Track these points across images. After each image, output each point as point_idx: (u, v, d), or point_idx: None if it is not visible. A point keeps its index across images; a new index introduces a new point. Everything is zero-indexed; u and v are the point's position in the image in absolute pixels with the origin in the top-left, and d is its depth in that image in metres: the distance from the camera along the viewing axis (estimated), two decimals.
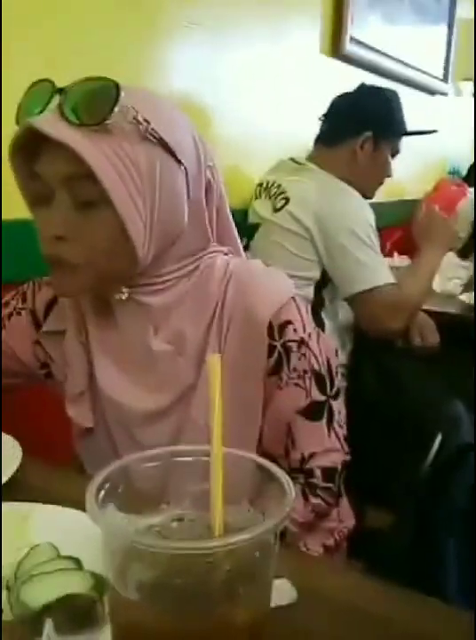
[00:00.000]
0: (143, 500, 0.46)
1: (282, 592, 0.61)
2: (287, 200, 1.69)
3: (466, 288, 2.23)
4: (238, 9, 1.93)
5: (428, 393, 1.46)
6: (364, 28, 2.53)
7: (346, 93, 1.82)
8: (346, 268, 1.61)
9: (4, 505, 0.72)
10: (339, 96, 1.82)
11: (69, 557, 0.64)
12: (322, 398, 0.89)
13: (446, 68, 3.36)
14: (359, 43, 2.50)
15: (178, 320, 0.86)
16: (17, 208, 1.33)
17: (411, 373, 1.48)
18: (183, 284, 0.86)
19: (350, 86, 1.86)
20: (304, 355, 0.87)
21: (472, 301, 2.05)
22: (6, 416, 0.95)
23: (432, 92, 3.29)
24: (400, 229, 2.80)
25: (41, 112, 0.76)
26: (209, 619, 0.38)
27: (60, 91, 0.76)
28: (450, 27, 3.31)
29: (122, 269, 0.82)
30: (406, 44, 2.90)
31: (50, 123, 0.74)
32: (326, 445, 0.89)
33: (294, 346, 0.87)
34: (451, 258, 2.36)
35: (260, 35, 2.04)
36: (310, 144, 1.88)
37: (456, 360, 1.64)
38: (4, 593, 0.59)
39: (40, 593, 0.57)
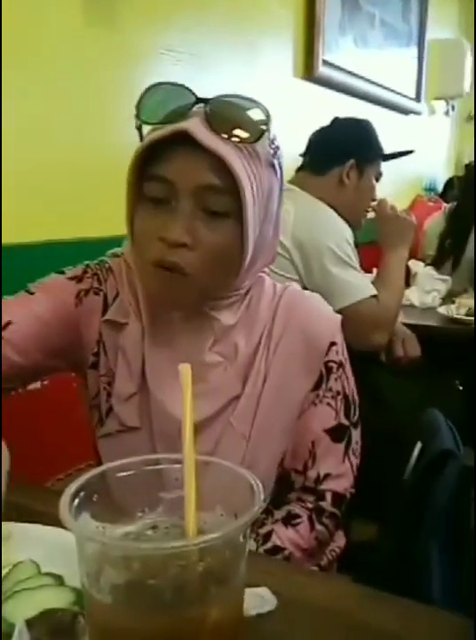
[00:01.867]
0: (118, 508, 0.47)
1: (263, 600, 0.62)
2: None
3: (444, 301, 2.27)
4: (212, 36, 1.98)
5: (409, 405, 1.48)
6: (335, 51, 2.59)
7: (322, 128, 1.84)
8: (325, 285, 1.63)
9: None
10: (316, 132, 1.85)
11: (51, 574, 0.64)
12: (346, 423, 0.94)
13: (418, 88, 3.44)
14: (331, 65, 2.56)
15: (234, 335, 0.89)
16: (16, 232, 1.37)
17: (391, 385, 1.50)
18: (245, 300, 0.90)
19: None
20: (340, 377, 0.93)
21: (452, 314, 2.08)
22: None
23: (405, 111, 3.36)
24: (379, 246, 2.84)
25: (173, 118, 0.78)
26: (181, 619, 0.39)
27: (202, 100, 0.78)
28: (420, 48, 3.39)
29: (223, 281, 0.85)
30: (377, 66, 2.97)
31: (201, 131, 0.76)
32: (340, 470, 0.93)
33: (334, 367, 0.93)
34: (429, 271, 2.40)
35: (234, 60, 2.09)
36: (287, 165, 1.91)
37: (435, 372, 1.66)
38: None
39: (21, 609, 0.58)
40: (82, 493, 0.44)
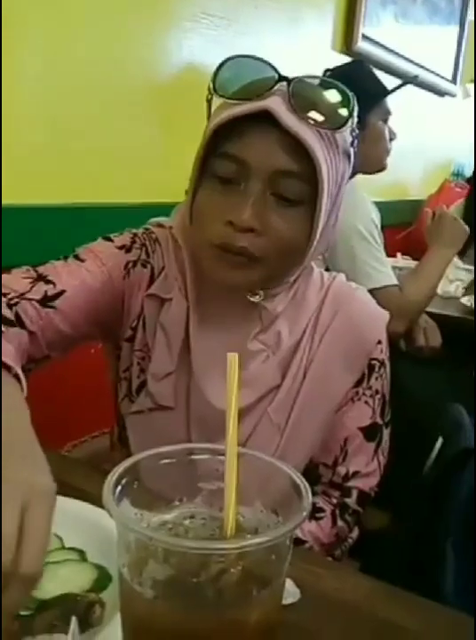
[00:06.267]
0: (156, 496, 0.46)
1: (286, 591, 0.61)
2: None
3: (468, 291, 2.23)
4: (252, 3, 1.92)
5: (429, 396, 1.46)
6: (376, 25, 2.52)
7: None
8: (349, 267, 1.60)
9: None
10: None
11: (74, 549, 0.64)
12: (381, 422, 0.92)
13: (455, 70, 3.35)
14: (370, 40, 2.49)
15: (279, 324, 0.87)
16: (18, 193, 1.34)
17: (412, 376, 1.48)
18: (292, 289, 0.88)
19: None
20: (381, 376, 0.92)
21: (473, 305, 2.05)
22: None
23: (440, 93, 3.28)
24: (404, 229, 2.80)
25: (249, 94, 0.74)
26: (221, 619, 0.38)
27: (284, 79, 0.74)
28: (462, 27, 3.29)
29: (286, 269, 0.83)
30: (416, 44, 2.89)
31: (283, 112, 0.73)
32: (369, 468, 0.92)
33: (377, 365, 0.91)
34: (454, 260, 2.36)
35: (273, 28, 2.03)
36: None
37: (456, 363, 1.64)
38: None
39: (45, 583, 0.57)
40: (124, 480, 0.43)
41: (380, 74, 2.63)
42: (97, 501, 0.50)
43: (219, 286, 0.83)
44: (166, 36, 1.66)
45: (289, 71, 0.77)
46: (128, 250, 0.88)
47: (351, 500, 0.91)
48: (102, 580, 0.60)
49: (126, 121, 1.57)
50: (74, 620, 0.44)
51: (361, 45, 2.43)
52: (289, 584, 0.62)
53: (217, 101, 0.79)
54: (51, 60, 1.38)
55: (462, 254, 2.52)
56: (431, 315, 1.80)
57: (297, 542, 0.85)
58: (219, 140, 0.76)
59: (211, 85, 0.77)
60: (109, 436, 1.08)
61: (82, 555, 0.63)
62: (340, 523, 0.90)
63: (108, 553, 0.59)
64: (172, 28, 1.67)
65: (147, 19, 1.58)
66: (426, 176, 3.32)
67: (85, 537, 0.65)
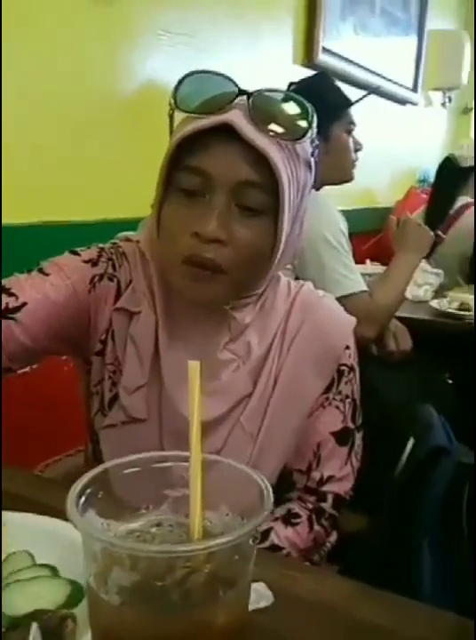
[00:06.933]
0: (122, 505, 0.46)
1: (259, 595, 0.62)
2: None
3: (437, 294, 2.27)
4: (211, 19, 1.94)
5: (400, 399, 1.48)
6: (336, 38, 2.57)
7: None
8: (318, 275, 1.62)
9: None
10: None
11: (45, 565, 0.64)
12: (352, 426, 0.93)
13: (416, 79, 3.42)
14: (331, 53, 2.53)
15: (248, 333, 0.88)
16: (16, 213, 1.34)
17: (384, 380, 1.50)
18: (261, 299, 0.90)
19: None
20: (350, 380, 0.93)
21: (444, 308, 2.08)
22: None
23: (402, 101, 3.34)
24: (372, 236, 2.84)
25: (211, 109, 0.76)
26: (188, 621, 0.39)
27: (244, 92, 0.76)
28: (420, 37, 3.36)
29: (253, 279, 0.84)
30: (377, 55, 2.94)
31: (243, 125, 0.75)
32: (343, 472, 0.93)
33: (346, 370, 0.92)
34: (422, 265, 2.39)
35: (233, 45, 2.06)
36: None
37: (426, 365, 1.67)
38: None
39: (16, 600, 0.57)
40: (88, 490, 0.43)
41: (342, 85, 2.69)
42: None
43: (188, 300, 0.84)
44: (127, 53, 1.67)
45: (251, 86, 0.78)
46: (94, 263, 0.88)
47: (326, 505, 0.92)
48: (75, 595, 0.59)
49: (90, 138, 1.57)
50: (34, 626, 0.44)
51: (323, 58, 2.47)
52: (262, 587, 0.62)
53: (179, 116, 0.81)
54: (9, 77, 1.38)
55: (428, 258, 2.56)
56: (401, 319, 1.82)
57: (275, 549, 0.86)
58: (183, 154, 0.77)
59: (172, 100, 0.79)
60: (84, 453, 1.08)
61: (54, 571, 0.63)
62: (317, 527, 0.91)
63: (81, 568, 0.59)
64: (133, 46, 1.69)
65: (108, 36, 1.60)
66: (393, 184, 3.37)
67: (58, 553, 0.64)
